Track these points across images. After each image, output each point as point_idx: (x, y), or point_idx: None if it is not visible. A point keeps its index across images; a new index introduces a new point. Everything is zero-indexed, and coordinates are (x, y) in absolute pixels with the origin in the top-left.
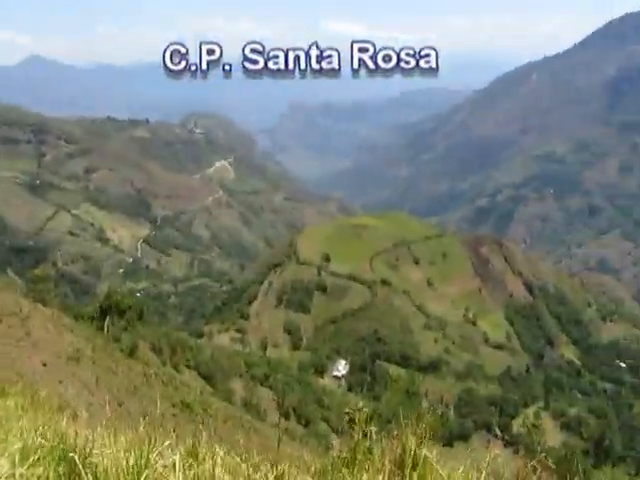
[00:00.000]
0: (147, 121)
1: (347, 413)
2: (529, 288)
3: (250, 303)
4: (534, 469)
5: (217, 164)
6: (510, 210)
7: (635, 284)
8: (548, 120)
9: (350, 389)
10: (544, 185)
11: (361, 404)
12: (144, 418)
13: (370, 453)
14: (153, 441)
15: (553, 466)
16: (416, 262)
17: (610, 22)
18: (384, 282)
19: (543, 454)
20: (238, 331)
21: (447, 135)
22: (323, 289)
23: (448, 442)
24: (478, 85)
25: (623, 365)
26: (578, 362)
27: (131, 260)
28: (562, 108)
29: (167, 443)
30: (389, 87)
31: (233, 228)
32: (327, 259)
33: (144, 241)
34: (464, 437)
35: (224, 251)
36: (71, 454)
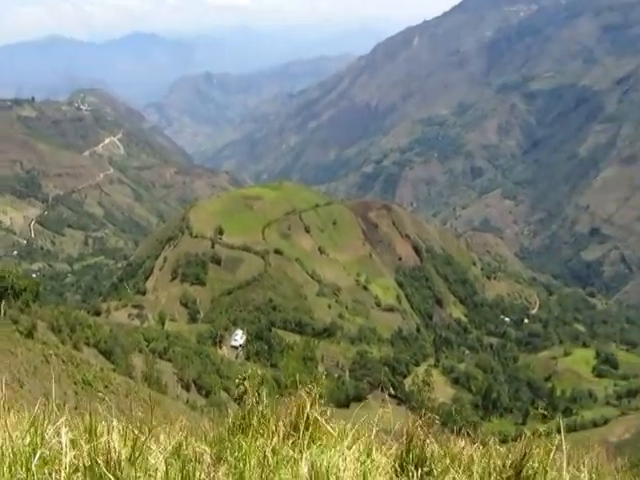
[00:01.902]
0: (33, 100)
1: (238, 381)
2: (417, 251)
3: (146, 278)
4: (422, 425)
5: (106, 140)
6: (396, 175)
7: (516, 241)
8: (429, 84)
9: (248, 358)
10: (428, 149)
11: (250, 370)
12: (45, 397)
13: (264, 417)
14: (49, 419)
15: (437, 421)
16: (307, 230)
17: None
18: (277, 251)
19: (427, 410)
20: (135, 307)
21: (332, 103)
22: (217, 261)
23: (345, 403)
24: (361, 52)
25: (507, 320)
26: (465, 319)
27: (24, 241)
28: (443, 71)
29: (62, 420)
30: (277, 58)
31: (125, 204)
32: (220, 231)
33: (37, 221)
34: (360, 398)
35: (118, 228)
36: None
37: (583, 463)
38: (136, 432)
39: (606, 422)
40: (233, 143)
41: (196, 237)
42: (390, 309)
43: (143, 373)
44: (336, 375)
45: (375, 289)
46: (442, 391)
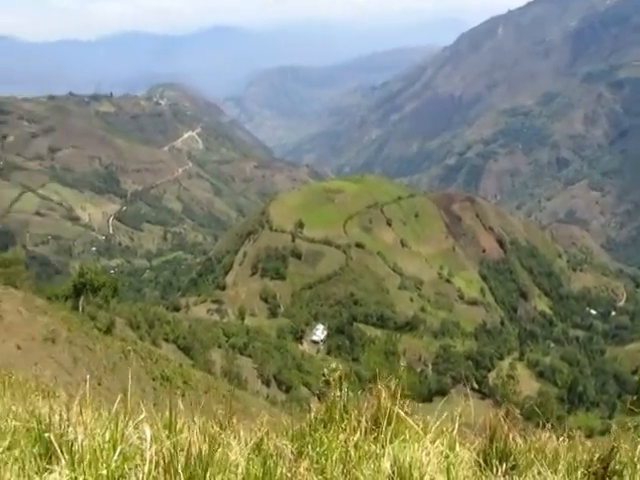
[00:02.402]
0: (111, 95)
1: (323, 375)
2: (501, 243)
3: (226, 273)
4: (504, 418)
5: (185, 135)
6: (480, 166)
7: (603, 233)
8: (514, 74)
9: (329, 352)
10: (512, 140)
11: (334, 364)
12: (123, 394)
13: (346, 412)
14: (129, 415)
15: (520, 414)
16: (389, 223)
17: None
18: (358, 245)
19: (511, 404)
20: (215, 302)
21: (415, 95)
22: (298, 255)
23: (428, 398)
24: (444, 42)
25: (594, 312)
26: (550, 312)
27: (103, 237)
28: (527, 61)
29: (142, 416)
30: (356, 50)
31: (204, 199)
32: (300, 225)
33: (115, 217)
34: (443, 392)
35: (197, 222)
36: (46, 434)
37: None
38: (216, 428)
39: None
40: (314, 136)
41: (276, 231)
42: (474, 302)
43: (223, 369)
44: (418, 369)
45: (458, 282)
46: (527, 385)
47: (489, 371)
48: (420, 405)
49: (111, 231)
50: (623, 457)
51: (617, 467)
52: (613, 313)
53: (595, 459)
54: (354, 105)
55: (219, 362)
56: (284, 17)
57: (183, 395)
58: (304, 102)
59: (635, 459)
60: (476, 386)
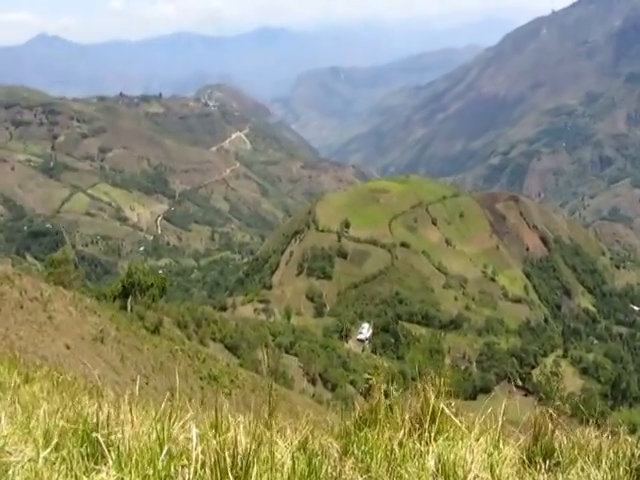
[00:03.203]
0: (160, 96)
1: (367, 379)
2: (545, 241)
3: (272, 273)
4: (551, 416)
5: (233, 136)
6: (524, 165)
7: None
8: (558, 74)
9: (374, 351)
10: (556, 139)
11: (379, 363)
12: (171, 393)
13: (391, 411)
14: (176, 414)
15: (569, 411)
16: (434, 223)
17: None
18: (403, 244)
19: (559, 401)
20: (261, 301)
21: (459, 95)
22: (343, 255)
23: (472, 395)
24: (489, 43)
25: (637, 309)
26: (594, 309)
27: (151, 237)
28: (571, 62)
29: (189, 415)
30: (403, 50)
31: (251, 199)
32: (346, 225)
33: (163, 217)
34: (487, 390)
35: (244, 222)
36: (94, 434)
37: None
38: (262, 427)
39: None
40: (360, 136)
41: (322, 231)
42: (518, 300)
43: (269, 368)
44: (463, 367)
45: (502, 280)
46: (571, 381)
47: (533, 368)
48: (464, 402)
49: (159, 231)
50: None
51: None
52: None
53: (637, 455)
54: (399, 105)
55: (266, 361)
56: (331, 18)
57: (230, 394)
58: (350, 102)
59: None
60: (520, 383)
